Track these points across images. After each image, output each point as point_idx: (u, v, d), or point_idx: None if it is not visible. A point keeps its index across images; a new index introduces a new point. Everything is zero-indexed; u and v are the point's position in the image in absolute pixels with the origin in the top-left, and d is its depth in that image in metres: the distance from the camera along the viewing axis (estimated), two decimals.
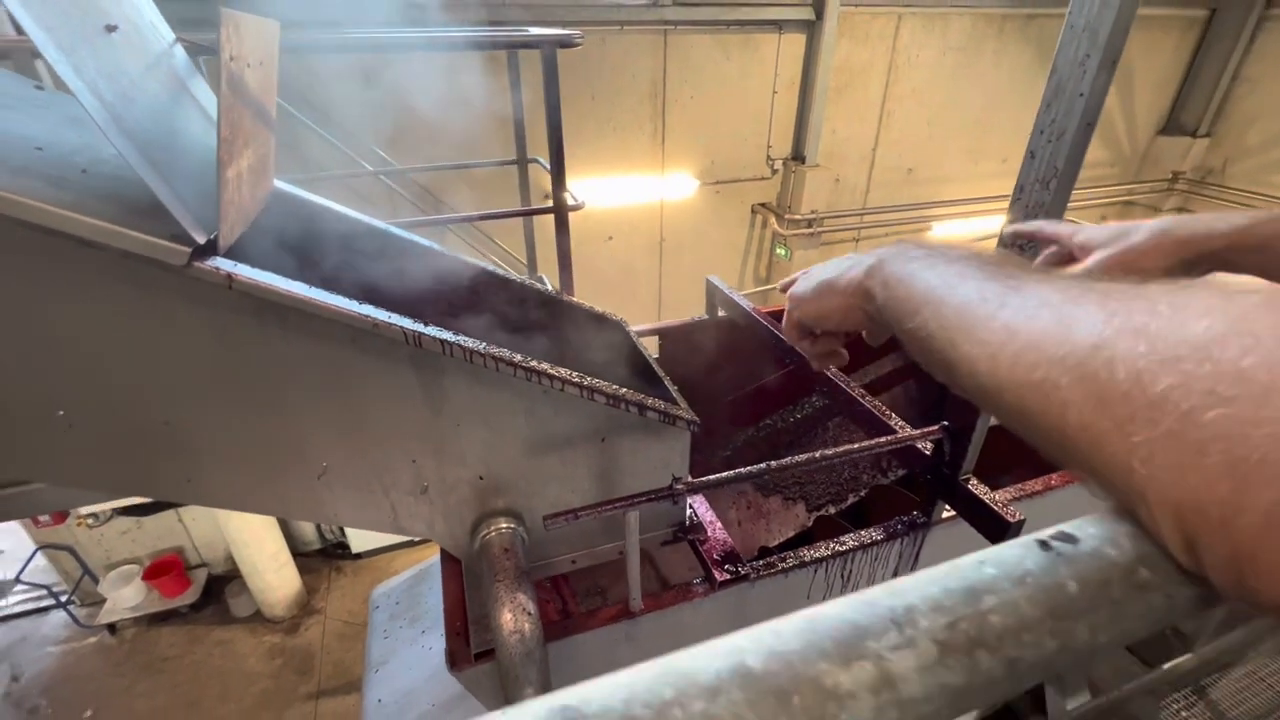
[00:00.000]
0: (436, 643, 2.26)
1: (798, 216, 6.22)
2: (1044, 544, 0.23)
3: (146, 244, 0.83)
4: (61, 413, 0.97)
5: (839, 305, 0.63)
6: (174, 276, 0.88)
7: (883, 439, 1.50)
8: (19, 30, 0.76)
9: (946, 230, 7.25)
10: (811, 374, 2.21)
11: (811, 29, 5.70)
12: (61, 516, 5.23)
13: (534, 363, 1.15)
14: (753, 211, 6.54)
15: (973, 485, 1.56)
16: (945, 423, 1.55)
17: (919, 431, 1.54)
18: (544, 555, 1.46)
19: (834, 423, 3.21)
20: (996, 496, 1.50)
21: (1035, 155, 1.25)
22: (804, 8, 5.57)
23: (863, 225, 6.94)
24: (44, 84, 1.24)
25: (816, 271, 0.69)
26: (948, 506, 1.67)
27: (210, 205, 0.91)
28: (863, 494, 3.04)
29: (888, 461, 3.02)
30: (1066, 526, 0.23)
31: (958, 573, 0.22)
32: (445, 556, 1.57)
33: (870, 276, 0.56)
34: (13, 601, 5.81)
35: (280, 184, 1.33)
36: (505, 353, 1.12)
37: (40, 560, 5.51)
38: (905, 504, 1.82)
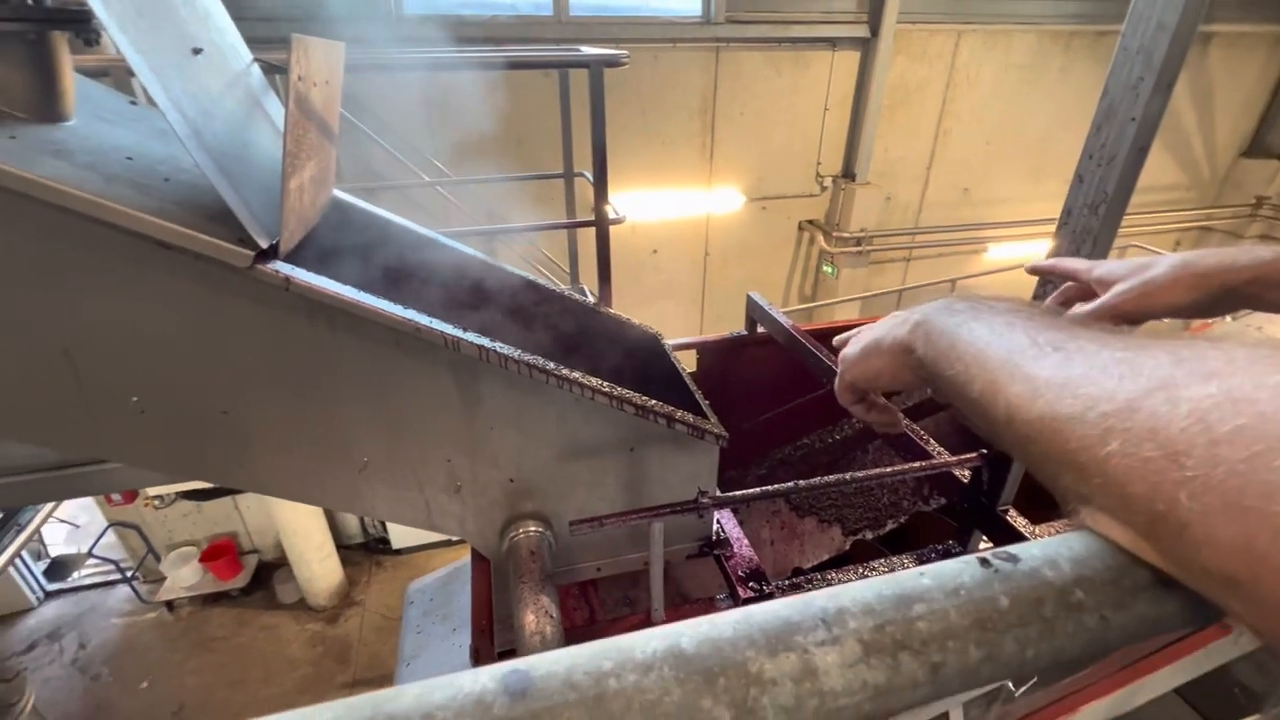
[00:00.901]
0: (466, 641, 2.31)
1: (846, 234, 6.13)
2: (985, 561, 0.24)
3: (215, 247, 0.91)
4: (135, 398, 1.06)
5: (886, 364, 0.63)
6: (238, 277, 0.95)
7: (916, 464, 1.47)
8: (119, 51, 0.86)
9: (1003, 252, 7.01)
10: None
11: (866, 46, 5.65)
12: (132, 496, 5.60)
13: (566, 371, 1.18)
14: (800, 229, 6.49)
15: (1012, 517, 1.51)
16: (984, 450, 1.51)
17: (955, 458, 1.50)
18: (570, 561, 1.49)
19: (873, 446, 3.14)
20: (1037, 530, 1.45)
21: (1084, 179, 1.21)
22: (859, 25, 5.53)
23: (914, 245, 6.78)
24: (137, 99, 1.37)
25: (866, 332, 0.69)
26: (985, 538, 1.62)
27: (275, 212, 0.99)
28: (903, 520, 2.95)
29: (929, 489, 2.93)
30: (1013, 548, 0.24)
31: (895, 582, 0.23)
32: (475, 556, 1.62)
33: (913, 331, 0.57)
34: (85, 574, 6.22)
35: (339, 192, 1.42)
36: (539, 360, 1.16)
37: (110, 537, 5.90)
38: (949, 533, 1.77)
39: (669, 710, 0.18)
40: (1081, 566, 0.23)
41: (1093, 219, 1.25)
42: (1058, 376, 0.32)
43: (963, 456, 1.51)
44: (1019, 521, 1.49)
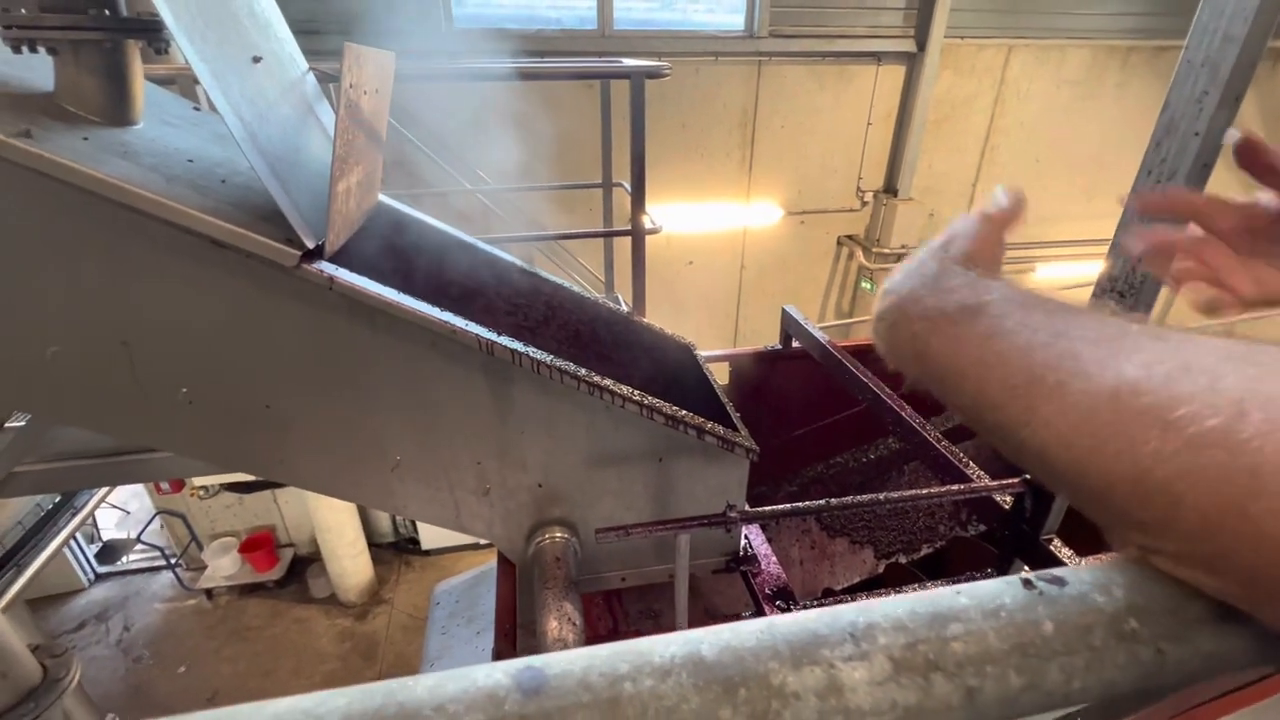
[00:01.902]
0: (489, 644, 2.32)
1: (886, 250, 6.02)
2: (1028, 583, 0.22)
3: (264, 246, 0.94)
4: (185, 390, 1.10)
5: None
6: (285, 276, 0.99)
7: (953, 487, 1.42)
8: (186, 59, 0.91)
9: (1052, 272, 6.78)
10: (886, 414, 2.12)
11: (912, 60, 5.56)
12: (179, 486, 5.82)
13: (597, 378, 1.19)
14: (839, 243, 6.40)
15: (1055, 546, 1.44)
16: (1027, 476, 1.45)
17: (996, 483, 1.45)
18: (594, 569, 1.48)
19: (910, 467, 3.06)
20: (1083, 562, 1.38)
21: None
22: (905, 39, 5.46)
23: None
24: (200, 105, 1.44)
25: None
26: (1026, 567, 1.55)
27: (322, 214, 1.02)
28: (939, 545, 2.86)
29: (968, 514, 2.83)
30: (1059, 570, 0.23)
31: (930, 599, 0.22)
32: (502, 560, 1.62)
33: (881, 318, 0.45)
34: (132, 559, 6.49)
35: (384, 197, 1.46)
36: (570, 366, 1.17)
37: (157, 524, 6.15)
38: (989, 561, 1.71)
39: (686, 718, 0.18)
40: (1135, 594, 0.22)
41: None
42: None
43: (1004, 481, 1.45)
44: (1063, 551, 1.42)
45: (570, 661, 0.19)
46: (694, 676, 0.19)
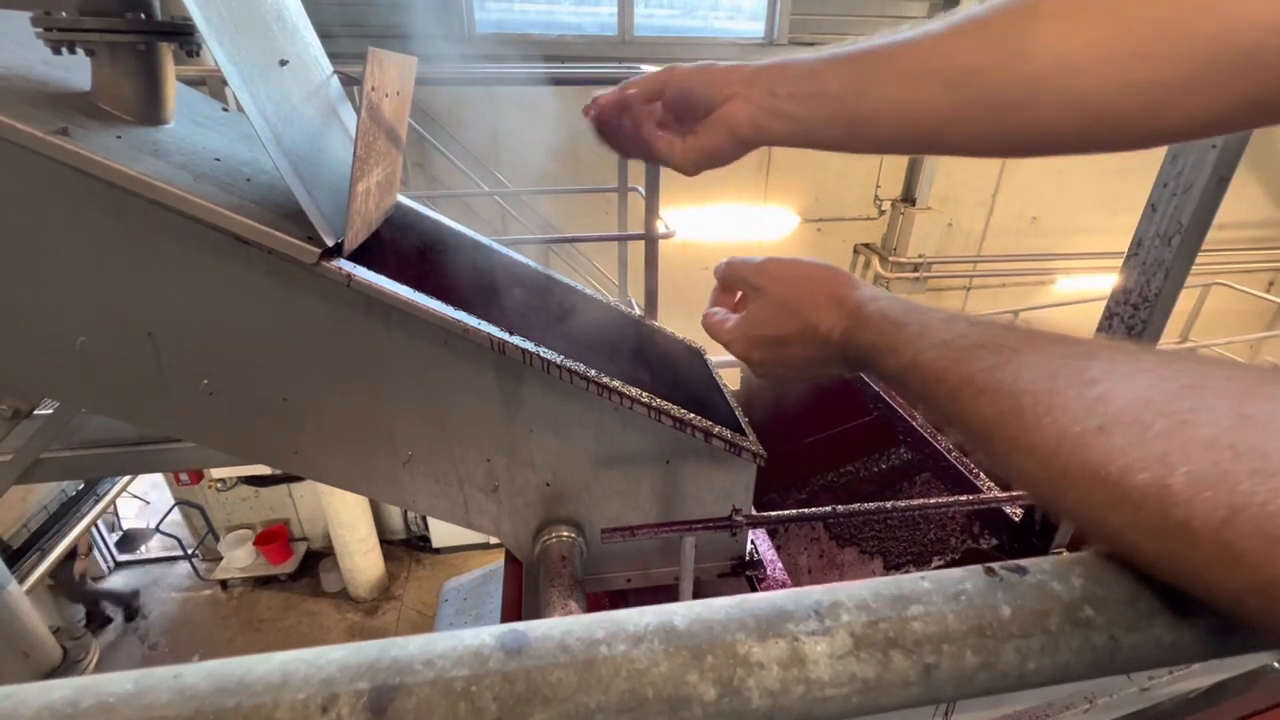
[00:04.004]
0: None
1: (903, 260, 5.99)
2: (990, 570, 0.23)
3: (285, 243, 0.97)
4: (206, 382, 1.14)
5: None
6: (305, 272, 1.02)
7: (961, 498, 1.42)
8: (216, 61, 0.94)
9: (1073, 285, 6.69)
10: (897, 424, 2.11)
11: None
12: (197, 477, 5.94)
13: (606, 379, 1.20)
14: (855, 252, 6.37)
15: None
16: None
17: (1005, 495, 1.44)
18: (600, 569, 1.50)
19: (921, 478, 3.03)
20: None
21: (1156, 209, 1.16)
22: None
23: (975, 274, 6.55)
24: (228, 106, 1.48)
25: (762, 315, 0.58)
26: None
27: (342, 213, 1.05)
28: (953, 559, 2.83)
29: (979, 526, 2.80)
30: (1023, 560, 0.24)
31: (894, 583, 0.23)
32: (509, 559, 1.64)
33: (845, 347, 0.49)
34: (151, 548, 6.62)
35: (403, 198, 1.49)
36: (579, 367, 1.18)
37: (176, 515, 6.27)
38: None
39: (655, 680, 0.19)
40: (1093, 584, 0.22)
41: (1165, 251, 1.19)
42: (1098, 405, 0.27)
43: (1014, 493, 1.44)
44: None
45: (551, 626, 0.20)
46: (665, 643, 0.20)
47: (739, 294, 0.66)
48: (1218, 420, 0.22)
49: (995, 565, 0.24)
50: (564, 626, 0.20)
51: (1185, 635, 0.22)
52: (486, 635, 0.20)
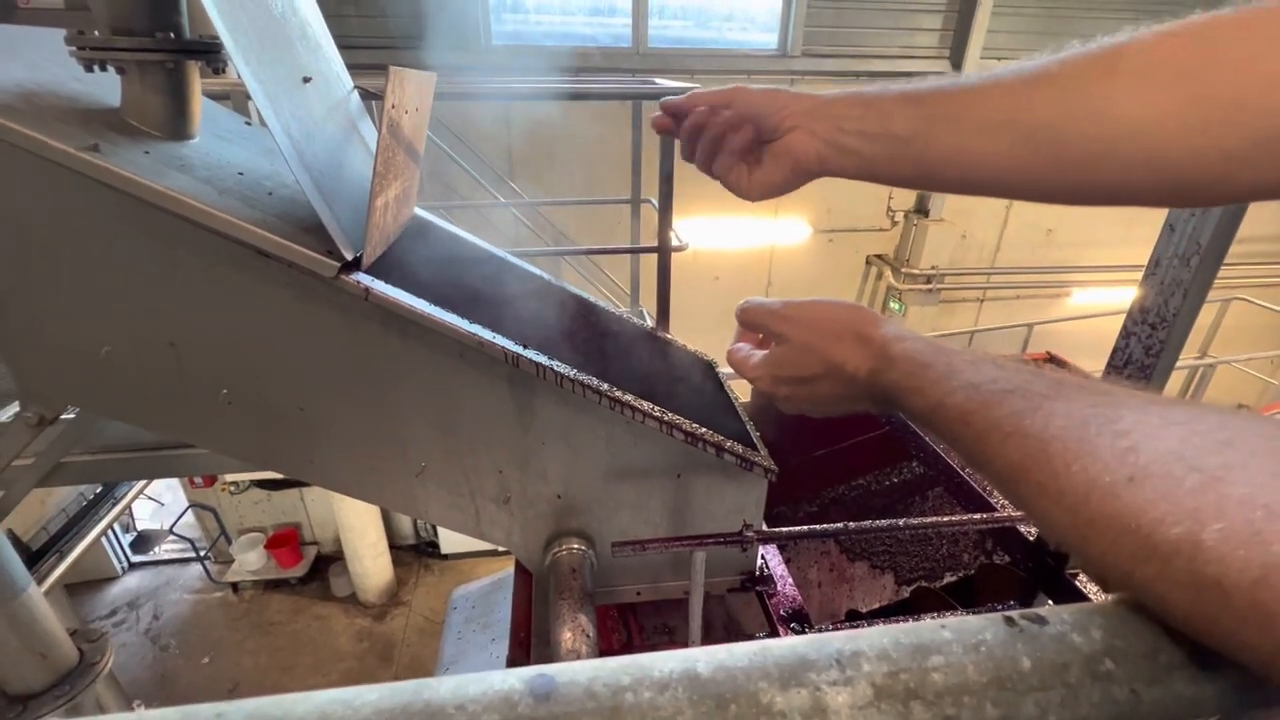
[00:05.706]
0: (504, 651, 2.34)
1: (916, 271, 5.96)
2: (1010, 620, 0.23)
3: (306, 256, 0.99)
4: (225, 391, 1.16)
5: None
6: (324, 286, 1.03)
7: (974, 516, 1.40)
8: (240, 78, 0.97)
9: (1088, 298, 6.62)
10: (909, 438, 2.10)
11: None
12: (211, 481, 6.00)
13: (618, 393, 1.21)
14: (867, 263, 6.35)
15: (1081, 581, 1.41)
16: None
17: (1020, 513, 1.42)
18: (610, 582, 1.50)
19: (934, 493, 3.00)
20: (1107, 598, 1.35)
21: (1175, 229, 1.15)
22: (940, 60, 5.43)
23: (989, 285, 6.51)
24: (251, 120, 1.51)
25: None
26: (1050, 601, 1.52)
27: (361, 228, 1.07)
28: (965, 574, 2.79)
29: (992, 543, 2.77)
30: (1043, 610, 0.24)
31: (914, 631, 0.23)
32: (519, 568, 1.65)
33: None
34: (164, 549, 6.69)
35: (420, 210, 1.51)
36: (592, 380, 1.19)
37: (189, 517, 6.34)
38: (1017, 590, 1.67)
39: None
40: (1114, 636, 0.23)
41: (1184, 270, 1.17)
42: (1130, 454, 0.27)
43: None
44: (1089, 587, 1.39)
45: (578, 671, 0.21)
46: (689, 691, 0.20)
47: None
48: (1251, 478, 0.22)
49: (1015, 614, 0.24)
50: (590, 671, 0.21)
51: (1207, 690, 0.22)
52: (515, 679, 0.21)
